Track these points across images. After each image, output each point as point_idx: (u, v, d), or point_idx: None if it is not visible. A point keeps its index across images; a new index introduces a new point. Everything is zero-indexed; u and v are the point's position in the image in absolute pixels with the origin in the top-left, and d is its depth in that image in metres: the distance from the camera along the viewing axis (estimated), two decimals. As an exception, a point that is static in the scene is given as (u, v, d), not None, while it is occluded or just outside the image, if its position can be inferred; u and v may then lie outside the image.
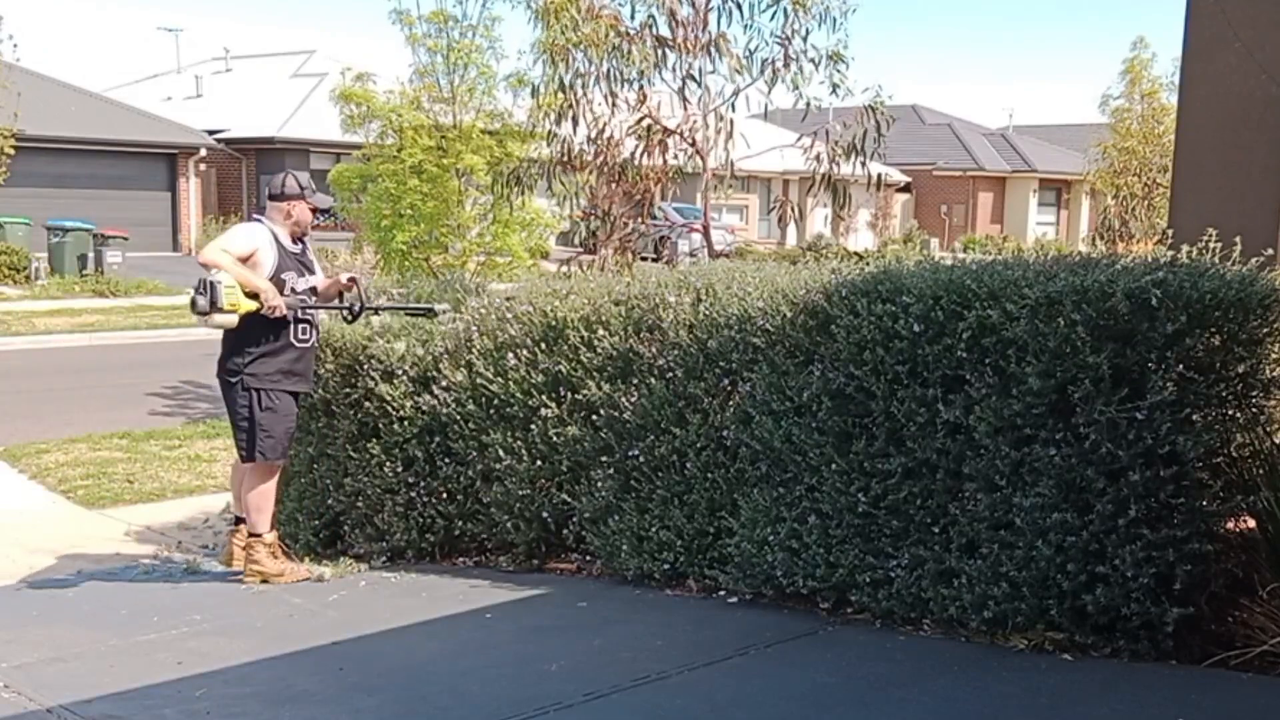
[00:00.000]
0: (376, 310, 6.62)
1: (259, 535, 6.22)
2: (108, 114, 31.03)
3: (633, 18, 8.98)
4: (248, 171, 33.87)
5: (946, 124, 51.79)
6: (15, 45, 22.74)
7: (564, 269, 8.38)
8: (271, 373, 6.08)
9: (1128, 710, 3.85)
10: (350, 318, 6.49)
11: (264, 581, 6.16)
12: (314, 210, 6.30)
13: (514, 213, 11.72)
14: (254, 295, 5.94)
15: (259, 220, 6.25)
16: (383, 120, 12.18)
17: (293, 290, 6.11)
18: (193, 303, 5.90)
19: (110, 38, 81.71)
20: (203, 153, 31.68)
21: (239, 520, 6.41)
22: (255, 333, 6.00)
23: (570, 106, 8.92)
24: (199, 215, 32.09)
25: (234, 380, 6.09)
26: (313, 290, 6.26)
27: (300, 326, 6.13)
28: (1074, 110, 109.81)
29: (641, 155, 9.18)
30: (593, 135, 9.10)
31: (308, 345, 6.21)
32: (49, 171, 27.84)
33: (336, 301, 6.47)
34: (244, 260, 6.01)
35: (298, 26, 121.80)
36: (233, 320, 5.91)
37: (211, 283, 5.83)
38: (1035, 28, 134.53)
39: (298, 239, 6.28)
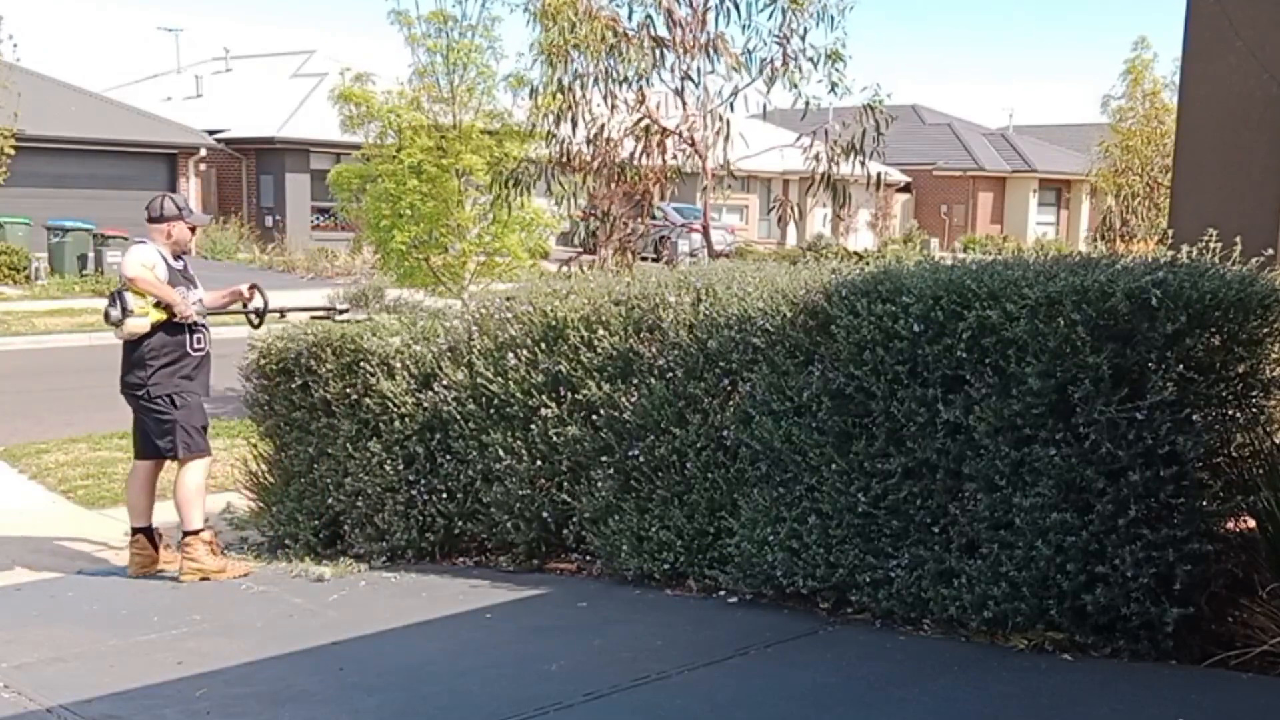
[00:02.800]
0: (282, 313, 7.15)
1: (195, 532, 6.47)
2: (108, 114, 30.98)
3: (630, 18, 8.98)
4: (248, 171, 33.83)
5: (946, 124, 51.74)
6: (15, 45, 22.78)
7: (564, 269, 8.38)
8: (175, 379, 6.46)
9: (1128, 710, 3.85)
10: (257, 322, 6.99)
11: (203, 579, 6.37)
12: (192, 229, 6.75)
13: (513, 213, 11.70)
14: (165, 308, 6.39)
15: (146, 241, 6.63)
16: (382, 120, 12.18)
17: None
18: (106, 314, 6.45)
19: (110, 38, 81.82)
20: (203, 153, 31.63)
21: (136, 531, 6.67)
22: (155, 346, 6.40)
23: (569, 108, 8.92)
24: (199, 215, 32.02)
25: (140, 391, 6.45)
26: (199, 302, 6.64)
27: (195, 336, 6.53)
28: (1074, 110, 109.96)
29: (641, 155, 9.18)
30: (592, 136, 9.09)
31: (203, 353, 6.59)
32: (49, 171, 27.79)
33: (239, 307, 6.89)
34: None
35: (298, 26, 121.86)
36: (145, 325, 6.35)
37: (120, 292, 6.36)
38: (1035, 28, 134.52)
39: (178, 256, 6.68)
